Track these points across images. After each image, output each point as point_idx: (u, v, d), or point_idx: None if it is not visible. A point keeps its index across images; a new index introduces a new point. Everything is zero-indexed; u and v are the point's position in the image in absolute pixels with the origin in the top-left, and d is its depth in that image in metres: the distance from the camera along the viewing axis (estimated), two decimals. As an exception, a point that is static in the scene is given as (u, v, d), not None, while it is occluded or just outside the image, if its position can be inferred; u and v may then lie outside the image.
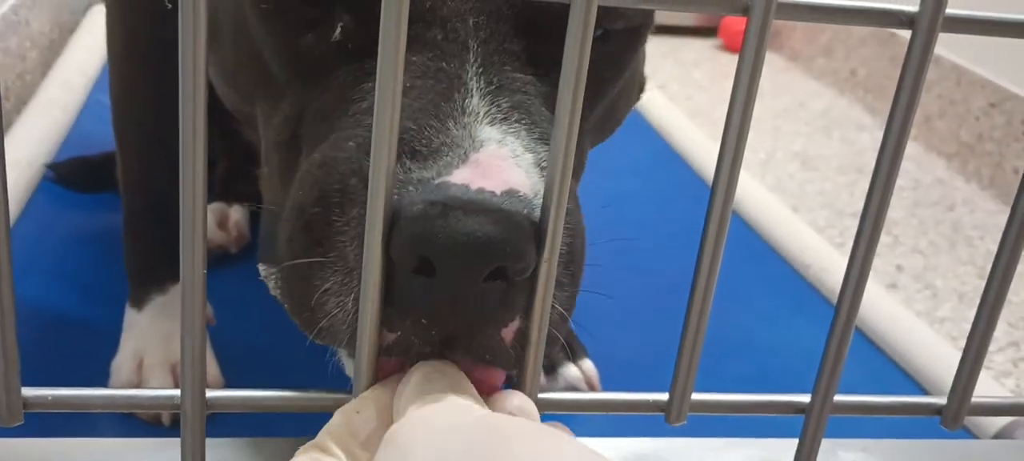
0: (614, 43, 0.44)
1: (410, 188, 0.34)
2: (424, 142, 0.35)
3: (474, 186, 0.33)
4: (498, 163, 0.35)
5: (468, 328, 0.34)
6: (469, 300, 0.33)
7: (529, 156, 0.36)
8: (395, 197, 0.33)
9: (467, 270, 0.32)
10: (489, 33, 0.39)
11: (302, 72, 0.42)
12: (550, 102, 0.38)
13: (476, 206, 0.32)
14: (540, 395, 0.36)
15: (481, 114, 0.36)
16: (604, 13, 0.41)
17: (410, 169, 0.34)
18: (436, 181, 0.33)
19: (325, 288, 0.35)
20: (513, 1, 0.39)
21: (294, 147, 0.42)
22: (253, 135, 0.49)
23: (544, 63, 0.40)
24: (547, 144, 0.36)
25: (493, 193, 0.33)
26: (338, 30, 0.40)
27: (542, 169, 0.36)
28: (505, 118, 0.37)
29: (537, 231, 0.32)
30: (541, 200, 0.33)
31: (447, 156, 0.35)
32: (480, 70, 0.38)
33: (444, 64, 0.38)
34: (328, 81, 0.40)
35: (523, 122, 0.37)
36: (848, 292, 0.36)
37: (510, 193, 0.34)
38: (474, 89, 0.37)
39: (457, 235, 0.31)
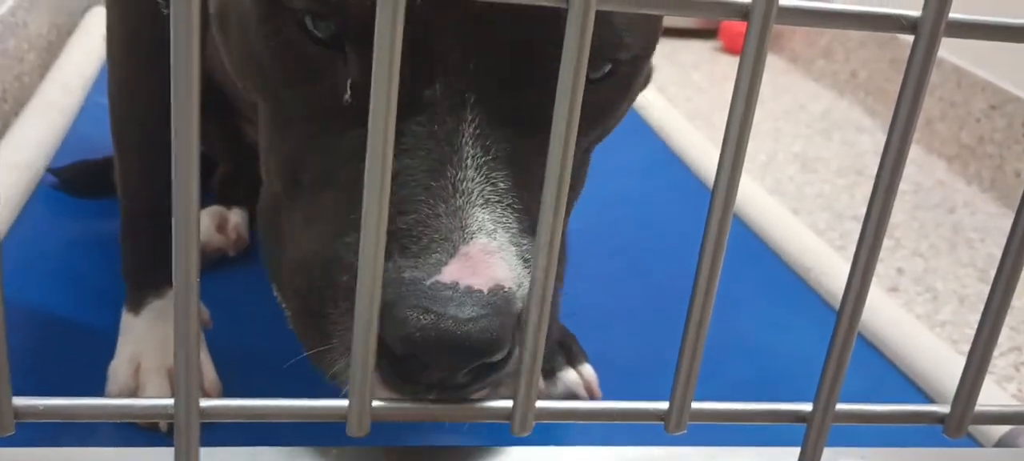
0: (622, 71, 0.44)
1: (403, 289, 0.35)
2: (414, 238, 0.36)
3: (463, 284, 0.35)
4: (486, 258, 0.36)
5: (455, 392, 0.37)
6: (455, 379, 0.36)
7: (514, 249, 0.37)
8: (388, 296, 0.35)
9: (454, 366, 0.35)
10: (491, 86, 0.38)
11: (308, 112, 0.41)
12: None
13: (465, 310, 0.35)
14: (538, 404, 0.36)
15: (474, 194, 0.37)
16: (612, 47, 0.41)
17: (401, 268, 0.36)
18: (427, 283, 0.35)
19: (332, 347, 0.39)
20: (514, 43, 0.38)
21: (296, 184, 0.43)
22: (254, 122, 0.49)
23: (547, 119, 0.40)
24: (533, 235, 0.37)
25: (480, 292, 0.35)
26: (348, 90, 0.39)
27: (526, 262, 0.38)
28: (499, 200, 0.38)
29: (518, 323, 0.35)
30: (524, 292, 0.35)
31: (437, 253, 0.36)
32: (477, 131, 0.38)
33: (437, 127, 0.37)
34: (335, 130, 0.40)
35: (514, 207, 0.38)
36: (849, 301, 0.36)
37: (495, 290, 0.35)
38: (468, 158, 0.38)
39: (445, 341, 0.34)
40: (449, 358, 0.35)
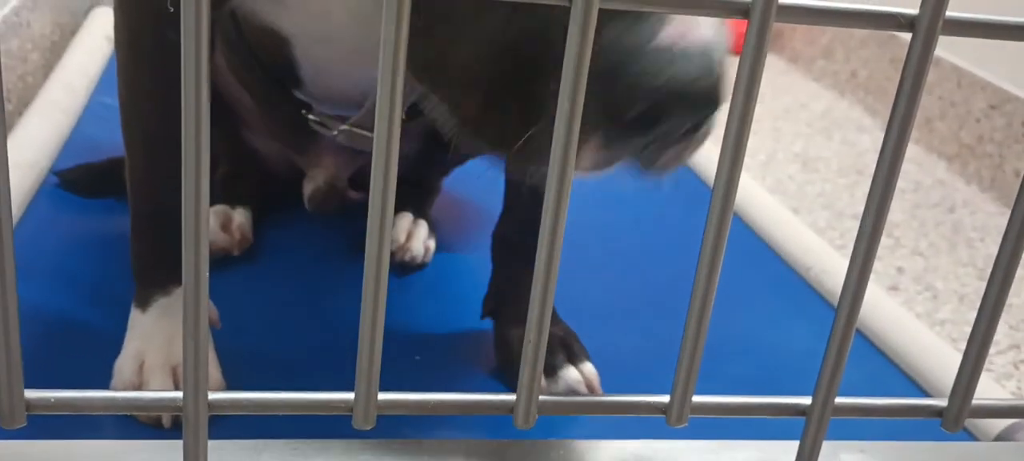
0: None
1: (627, 55, 0.38)
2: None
3: (679, 46, 0.38)
4: (693, 19, 0.39)
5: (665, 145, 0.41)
6: (674, 134, 0.40)
7: None
8: (613, 61, 0.38)
9: (679, 123, 0.39)
10: None
11: None
12: None
13: (685, 69, 0.38)
14: (540, 398, 0.36)
15: None
16: None
17: (621, 35, 0.38)
18: (648, 46, 0.38)
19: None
20: None
21: None
22: None
23: None
24: None
25: (694, 51, 0.38)
26: None
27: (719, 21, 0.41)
28: None
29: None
30: (722, 49, 0.39)
31: (651, 18, 0.39)
32: None
33: None
34: None
35: None
36: (848, 295, 0.36)
37: (706, 48, 0.39)
38: None
39: (675, 99, 0.37)
40: (677, 114, 0.38)
